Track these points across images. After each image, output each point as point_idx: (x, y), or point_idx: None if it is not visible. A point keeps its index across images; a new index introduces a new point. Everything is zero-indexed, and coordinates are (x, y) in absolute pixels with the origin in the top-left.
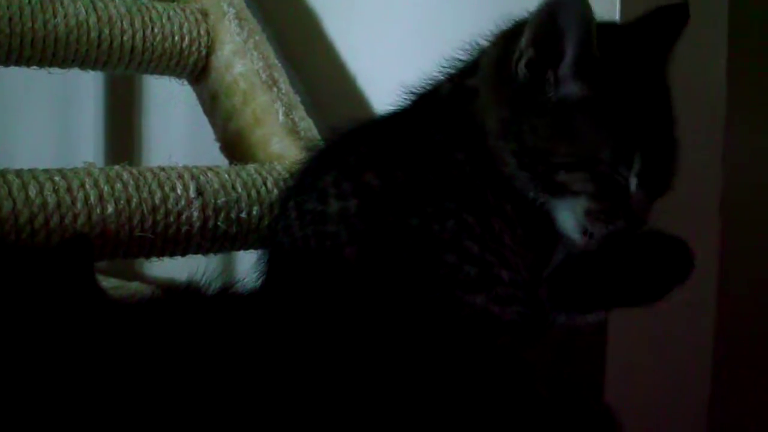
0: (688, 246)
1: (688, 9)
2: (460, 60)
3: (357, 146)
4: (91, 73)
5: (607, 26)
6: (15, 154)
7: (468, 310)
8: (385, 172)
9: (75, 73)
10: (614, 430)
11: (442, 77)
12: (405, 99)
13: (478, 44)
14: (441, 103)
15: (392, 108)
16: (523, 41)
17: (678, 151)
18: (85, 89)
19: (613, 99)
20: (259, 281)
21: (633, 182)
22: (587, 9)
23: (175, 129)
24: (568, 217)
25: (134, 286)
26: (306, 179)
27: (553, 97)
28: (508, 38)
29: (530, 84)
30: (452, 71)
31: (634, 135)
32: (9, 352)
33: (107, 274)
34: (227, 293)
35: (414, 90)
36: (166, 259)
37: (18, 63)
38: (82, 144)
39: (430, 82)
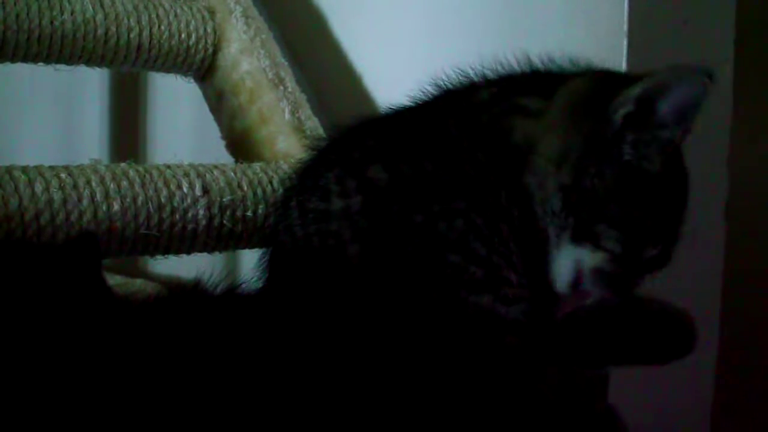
0: (692, 323)
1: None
2: (505, 70)
3: (363, 140)
4: (97, 70)
5: None
6: (21, 151)
7: (473, 309)
8: (393, 166)
9: (81, 70)
10: (618, 430)
11: (476, 79)
12: (424, 93)
13: (531, 62)
14: (475, 106)
15: (407, 101)
16: (632, 92)
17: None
18: (90, 87)
19: (671, 186)
20: (261, 281)
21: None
22: (702, 99)
23: (181, 127)
24: (568, 265)
25: (139, 283)
26: (308, 178)
27: (633, 159)
28: (602, 80)
29: (617, 135)
30: (493, 78)
31: (671, 224)
32: (15, 349)
33: (112, 271)
34: (233, 293)
35: (438, 84)
36: (171, 257)
37: (25, 59)
38: (88, 141)
39: (459, 80)
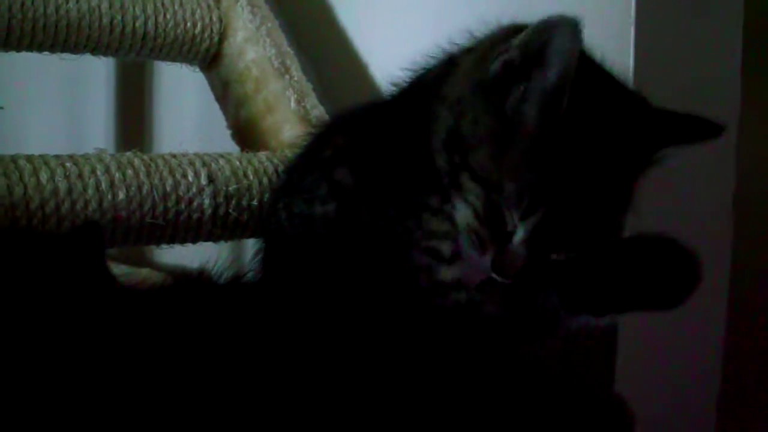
0: (697, 259)
1: (721, 132)
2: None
3: (334, 138)
4: (103, 59)
5: (611, 84)
6: (27, 140)
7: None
8: (358, 168)
9: (87, 59)
10: (626, 420)
11: (434, 62)
12: (402, 79)
13: (472, 35)
14: (424, 88)
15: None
16: (515, 42)
17: (603, 232)
18: (96, 75)
19: (553, 147)
20: (258, 275)
21: (520, 233)
22: (572, 57)
23: (187, 116)
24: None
25: (144, 272)
26: (293, 177)
27: (508, 109)
28: (506, 30)
29: (497, 82)
30: (443, 57)
31: (549, 190)
32: (19, 338)
33: (118, 260)
34: (238, 282)
35: (413, 68)
36: (177, 246)
37: (30, 48)
38: (94, 130)
39: (435, 60)
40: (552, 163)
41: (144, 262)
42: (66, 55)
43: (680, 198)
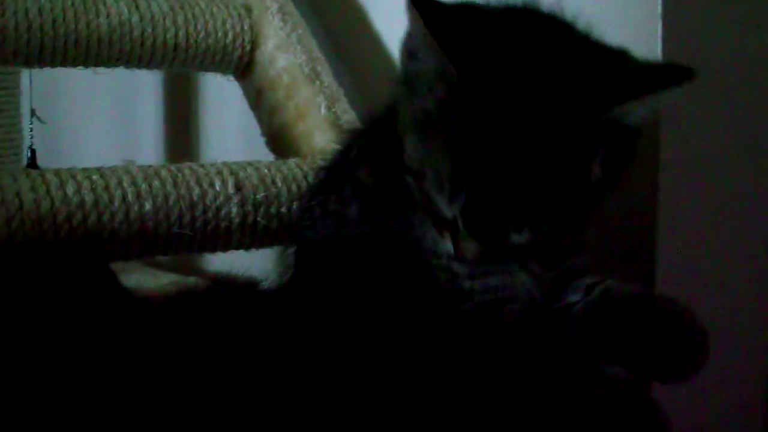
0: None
1: (688, 76)
2: None
3: (361, 137)
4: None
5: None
6: (80, 153)
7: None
8: (377, 168)
9: (136, 72)
10: (659, 425)
11: None
12: None
13: None
14: None
15: None
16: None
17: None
18: (145, 87)
19: (459, 122)
20: (285, 276)
21: (459, 220)
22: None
23: (233, 125)
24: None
25: (191, 281)
26: (330, 175)
27: (409, 96)
28: None
29: (402, 72)
30: None
31: (468, 169)
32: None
33: (165, 268)
34: (253, 290)
35: None
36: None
37: (64, 64)
38: (145, 141)
39: None
40: (462, 139)
41: (192, 270)
42: (101, 69)
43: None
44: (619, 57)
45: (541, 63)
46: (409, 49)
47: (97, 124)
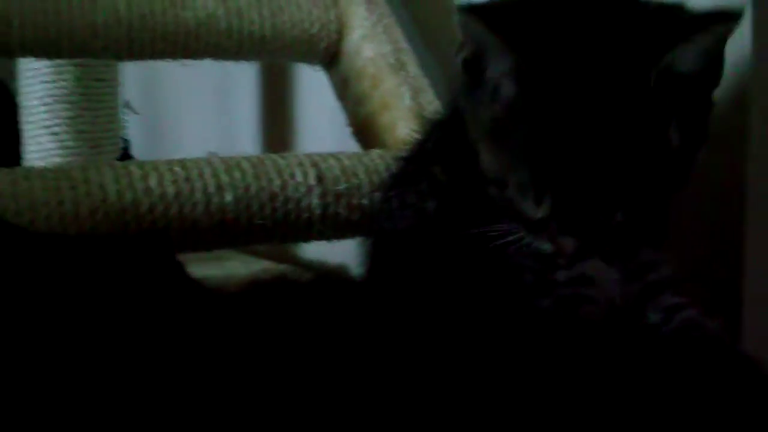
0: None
1: (737, 17)
2: None
3: (436, 131)
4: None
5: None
6: (182, 144)
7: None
8: (450, 166)
9: (234, 64)
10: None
11: None
12: None
13: None
14: None
15: None
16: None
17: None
18: (243, 80)
19: (529, 122)
20: (362, 268)
21: (550, 220)
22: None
23: (327, 115)
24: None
25: (282, 269)
26: (408, 166)
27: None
28: None
29: (465, 82)
30: None
31: (547, 165)
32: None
33: (260, 256)
34: (323, 283)
35: None
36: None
37: (152, 57)
38: (243, 133)
39: None
40: (537, 136)
41: (288, 258)
42: (188, 62)
43: None
44: (671, 12)
45: (599, 36)
46: (467, 60)
47: (197, 116)
